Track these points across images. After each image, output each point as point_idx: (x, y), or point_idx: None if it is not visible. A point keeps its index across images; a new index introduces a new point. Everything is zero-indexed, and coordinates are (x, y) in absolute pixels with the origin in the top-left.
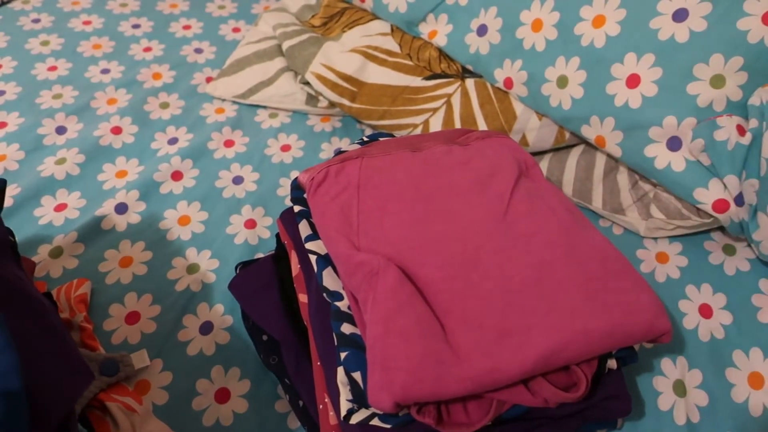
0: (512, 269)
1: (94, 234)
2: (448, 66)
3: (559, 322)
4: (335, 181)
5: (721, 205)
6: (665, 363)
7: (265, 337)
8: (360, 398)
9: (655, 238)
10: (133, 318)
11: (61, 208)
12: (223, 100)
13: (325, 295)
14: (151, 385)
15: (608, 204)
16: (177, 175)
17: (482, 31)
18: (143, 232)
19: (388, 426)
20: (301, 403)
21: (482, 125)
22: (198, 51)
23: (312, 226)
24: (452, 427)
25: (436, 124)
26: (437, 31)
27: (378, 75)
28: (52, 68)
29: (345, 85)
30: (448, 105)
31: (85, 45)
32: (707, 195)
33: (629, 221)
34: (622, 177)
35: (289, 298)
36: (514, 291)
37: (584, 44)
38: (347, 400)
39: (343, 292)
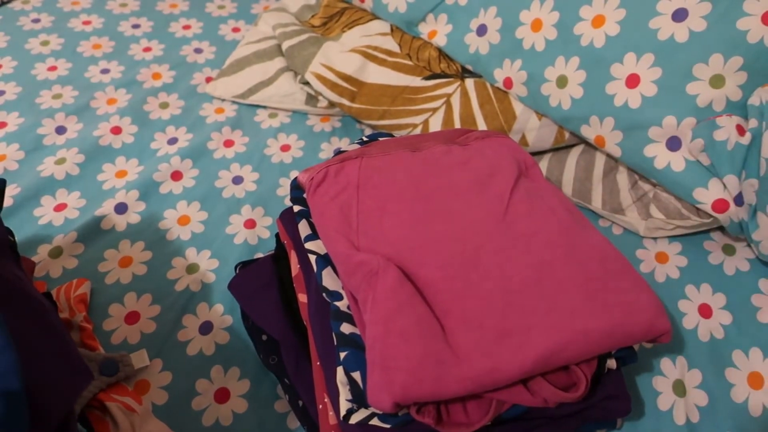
0: (512, 269)
1: (93, 234)
2: (447, 66)
3: (558, 322)
4: (335, 181)
5: (720, 205)
6: (665, 363)
7: (264, 337)
8: (359, 398)
9: (655, 238)
10: (132, 318)
11: (60, 208)
12: (223, 100)
13: (324, 295)
14: (150, 385)
15: (608, 204)
16: (177, 175)
17: (482, 31)
18: (143, 232)
19: (388, 426)
20: (300, 403)
21: (482, 125)
22: (198, 51)
23: (311, 225)
24: (452, 427)
25: (435, 124)
26: (437, 31)
27: (378, 75)
28: (52, 68)
29: (344, 85)
30: (448, 105)
31: (84, 45)
32: (707, 195)
33: (629, 221)
34: (622, 177)
35: (288, 298)
36: (514, 291)
37: (584, 44)
38: (347, 400)
39: (343, 292)
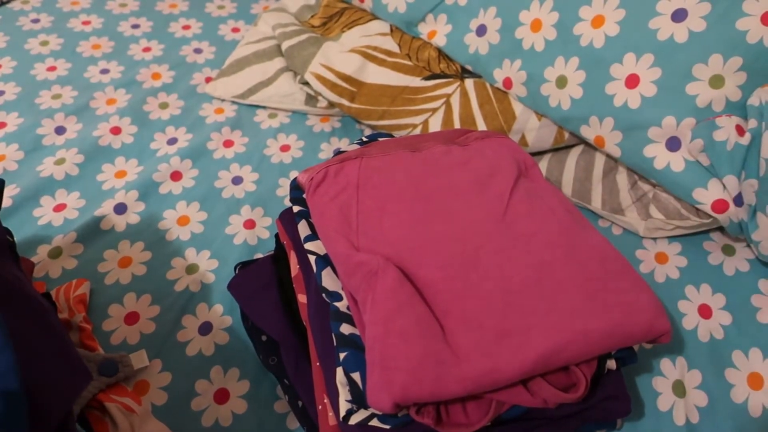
0: (512, 269)
1: (93, 234)
2: (447, 66)
3: (558, 322)
4: (334, 182)
5: (720, 206)
6: (665, 363)
7: (264, 338)
8: (359, 399)
9: (655, 239)
10: (132, 318)
11: (60, 208)
12: (223, 100)
13: (324, 295)
14: (150, 385)
15: (607, 204)
16: (176, 176)
17: (481, 31)
18: (142, 233)
19: (387, 426)
20: (300, 403)
21: (481, 125)
22: (197, 51)
23: (311, 226)
24: (451, 427)
25: (435, 125)
26: (436, 31)
27: (377, 75)
28: (52, 68)
29: (344, 85)
30: (448, 105)
31: (84, 45)
32: (706, 195)
33: (628, 221)
34: (622, 177)
35: (288, 299)
36: (514, 291)
37: (583, 44)
38: (346, 400)
39: (343, 293)
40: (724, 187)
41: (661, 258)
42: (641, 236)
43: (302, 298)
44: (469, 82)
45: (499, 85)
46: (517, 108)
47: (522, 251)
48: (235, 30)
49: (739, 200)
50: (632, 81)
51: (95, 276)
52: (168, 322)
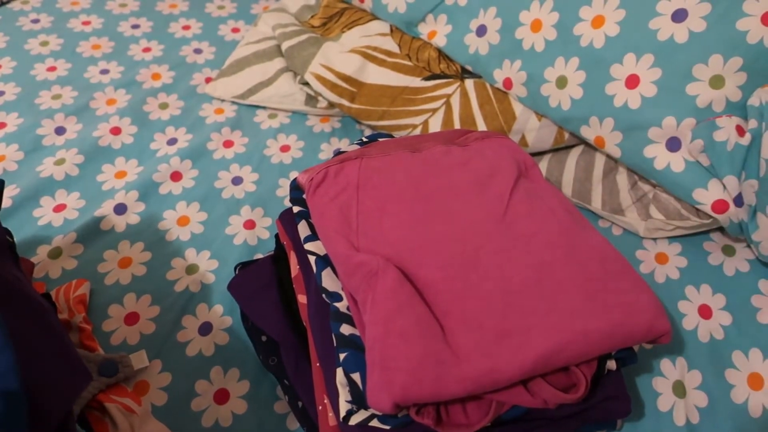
0: (512, 270)
1: (93, 235)
2: (447, 66)
3: (558, 322)
4: (334, 182)
5: (720, 206)
6: (665, 364)
7: (264, 338)
8: (359, 399)
9: (655, 239)
10: (132, 319)
11: (60, 208)
12: (223, 100)
13: (324, 295)
14: (150, 385)
15: (607, 204)
16: (176, 176)
17: (481, 31)
18: (142, 233)
19: (387, 427)
20: (300, 404)
21: (481, 126)
22: (197, 51)
23: (311, 226)
24: (451, 428)
25: (435, 125)
26: (436, 31)
27: (377, 75)
28: (52, 69)
29: (344, 85)
30: (448, 105)
31: (84, 45)
32: (706, 195)
33: (628, 222)
34: (622, 177)
35: (288, 299)
36: (514, 291)
37: (583, 45)
38: (346, 401)
39: (343, 293)
40: (725, 187)
41: (661, 258)
42: (641, 237)
43: (302, 299)
44: (469, 83)
45: (499, 85)
46: (517, 108)
47: (522, 251)
48: (235, 30)
49: (739, 201)
50: (632, 81)
51: (95, 276)
52: (168, 322)
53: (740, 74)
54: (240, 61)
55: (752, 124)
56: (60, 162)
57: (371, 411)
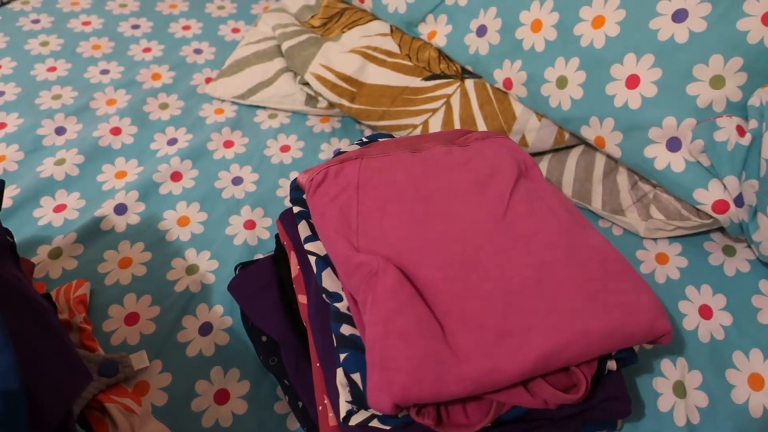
0: (512, 270)
1: (93, 235)
2: (447, 66)
3: (559, 322)
4: (334, 182)
5: (720, 206)
6: (665, 364)
7: (264, 338)
8: (359, 399)
9: (655, 239)
10: (132, 319)
11: (60, 208)
12: (223, 100)
13: (324, 296)
14: (150, 386)
15: (608, 205)
16: (176, 176)
17: (482, 31)
18: (142, 233)
19: (388, 427)
20: (300, 404)
21: (482, 126)
22: (197, 51)
23: (311, 226)
24: (451, 428)
25: (435, 125)
26: (437, 31)
27: (377, 75)
28: (52, 69)
29: (344, 85)
30: (448, 105)
31: (84, 45)
32: (707, 196)
33: (629, 222)
34: (622, 178)
35: (288, 299)
36: (514, 292)
37: (584, 45)
38: (346, 401)
39: (343, 293)
40: (725, 187)
41: (661, 258)
42: (642, 237)
43: (302, 299)
44: (469, 83)
45: (500, 85)
46: (518, 108)
47: (522, 252)
48: (235, 30)
49: (739, 201)
50: (633, 81)
51: (95, 276)
52: (168, 322)
53: (741, 74)
54: (240, 61)
55: (752, 124)
56: (60, 162)
57: (371, 411)
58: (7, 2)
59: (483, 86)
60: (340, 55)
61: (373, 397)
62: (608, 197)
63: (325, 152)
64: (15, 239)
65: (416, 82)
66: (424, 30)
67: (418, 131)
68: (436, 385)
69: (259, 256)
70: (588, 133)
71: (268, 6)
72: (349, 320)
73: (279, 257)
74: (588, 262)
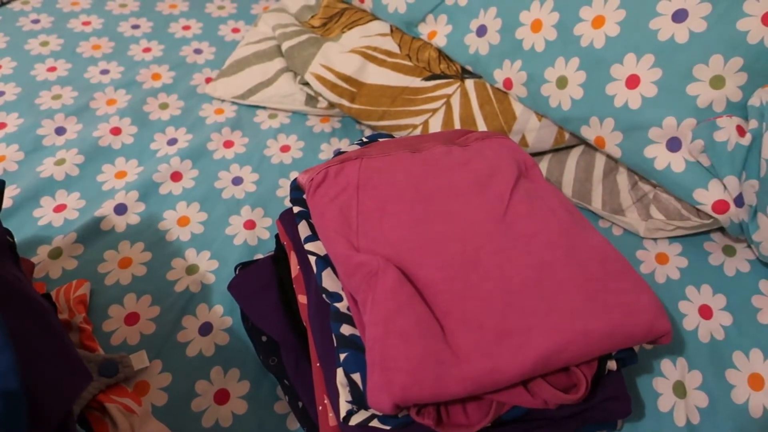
0: (512, 270)
1: (93, 235)
2: (447, 66)
3: (559, 322)
4: (334, 182)
5: (720, 206)
6: (665, 364)
7: (264, 338)
8: (359, 399)
9: (655, 239)
10: (132, 319)
11: (60, 208)
12: (223, 100)
13: (324, 296)
14: (150, 386)
15: (608, 205)
16: (176, 176)
17: (482, 31)
18: (142, 233)
19: (388, 427)
20: (300, 404)
21: (482, 126)
22: (197, 51)
23: (311, 226)
24: (451, 428)
25: (435, 125)
26: (437, 31)
27: (377, 76)
28: (52, 69)
29: (344, 85)
30: (448, 106)
31: (84, 45)
32: (707, 196)
33: (629, 222)
34: (622, 178)
35: (288, 299)
36: (514, 292)
37: (584, 45)
38: (347, 401)
39: (343, 293)
40: (725, 187)
41: (661, 258)
42: (642, 237)
43: (302, 299)
44: (469, 83)
45: (500, 85)
46: (518, 108)
47: (522, 252)
48: (235, 30)
49: (739, 201)
50: (633, 81)
51: (95, 276)
52: (168, 322)
53: (741, 74)
54: (240, 61)
55: (753, 124)
56: (60, 162)
57: (371, 411)
58: (7, 2)
59: (483, 86)
60: (340, 55)
61: (373, 397)
62: (608, 197)
63: (325, 152)
64: (15, 239)
65: (416, 82)
66: (424, 30)
67: (418, 131)
68: (436, 385)
69: (259, 256)
70: (588, 133)
71: (268, 6)
72: (349, 320)
73: (279, 257)
74: (588, 262)
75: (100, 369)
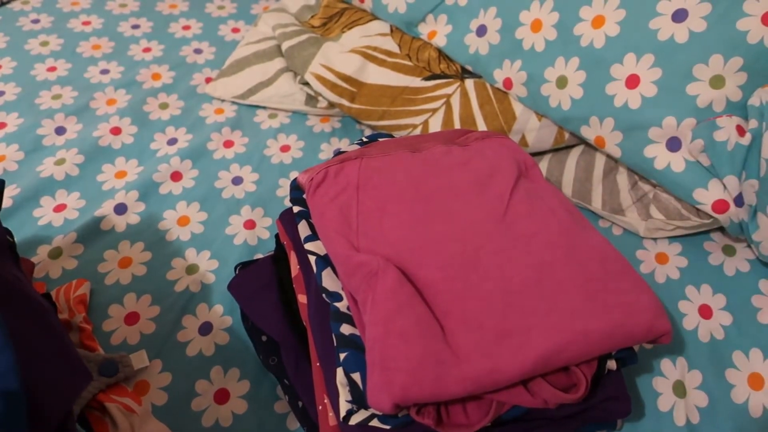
0: (512, 270)
1: (93, 235)
2: (447, 66)
3: (559, 322)
4: (334, 182)
5: (720, 206)
6: (665, 364)
7: (264, 338)
8: (359, 399)
9: (655, 239)
10: (132, 319)
11: (60, 208)
12: (223, 100)
13: (324, 295)
14: (150, 385)
15: (608, 204)
16: (176, 176)
17: (481, 31)
18: (142, 233)
19: (388, 427)
20: (300, 403)
21: (482, 126)
22: (197, 51)
23: (311, 226)
24: (452, 428)
25: (435, 125)
26: (437, 31)
27: (377, 75)
28: (52, 69)
29: (344, 85)
30: (448, 105)
31: (84, 45)
32: (707, 195)
33: (629, 222)
34: (622, 177)
35: (288, 299)
36: (514, 292)
37: (584, 45)
38: (346, 401)
39: (343, 293)
40: (725, 187)
41: (661, 258)
42: (641, 236)
43: (302, 299)
44: (469, 83)
45: (500, 85)
46: (518, 108)
47: (522, 252)
48: (235, 30)
49: (739, 200)
50: (632, 81)
51: (95, 276)
52: (168, 322)
53: (740, 74)
54: (240, 61)
55: (752, 124)
56: (60, 162)
57: (371, 411)
58: (7, 2)
59: (483, 86)
60: (340, 55)
61: (374, 397)
62: (608, 197)
63: (325, 152)
64: (15, 239)
65: (416, 82)
66: (424, 30)
67: (418, 131)
68: (436, 385)
69: (259, 255)
70: (588, 132)
71: (268, 6)
72: (349, 320)
73: (279, 257)
74: (588, 262)
75: (100, 369)
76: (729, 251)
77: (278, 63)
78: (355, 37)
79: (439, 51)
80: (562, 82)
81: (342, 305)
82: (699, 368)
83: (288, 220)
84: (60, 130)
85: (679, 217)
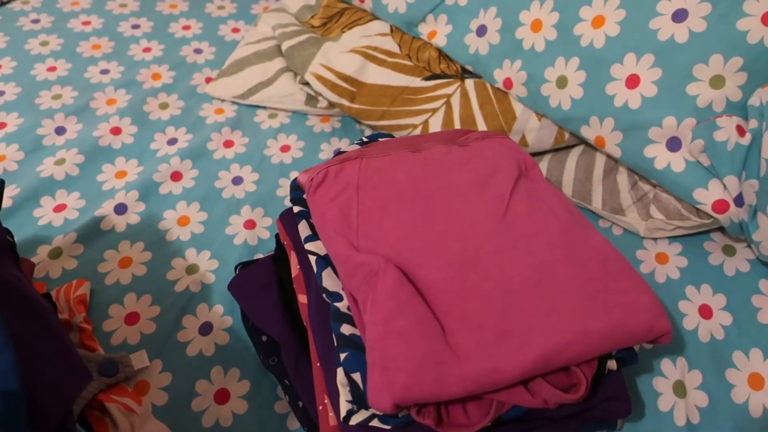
0: (512, 270)
1: (93, 235)
2: (447, 66)
3: (559, 322)
4: (334, 182)
5: (720, 206)
6: (665, 364)
7: (264, 338)
8: (360, 399)
9: (655, 239)
10: (132, 319)
11: (60, 208)
12: (223, 100)
13: (324, 295)
14: (150, 385)
15: (608, 204)
16: (176, 176)
17: (482, 31)
18: (142, 233)
19: (388, 427)
20: (300, 404)
21: (482, 126)
22: (197, 51)
23: (311, 226)
24: (452, 428)
25: (435, 125)
26: (437, 31)
27: (377, 75)
28: (52, 69)
29: (344, 85)
30: (448, 105)
31: (84, 45)
32: (707, 195)
33: (629, 222)
34: (622, 177)
35: (288, 299)
36: (514, 292)
37: (584, 45)
38: (347, 401)
39: (343, 293)
40: (725, 187)
41: (661, 258)
42: (642, 236)
43: (302, 299)
44: (469, 83)
45: (500, 85)
46: (518, 108)
47: (522, 252)
48: (235, 30)
49: (739, 200)
50: (633, 81)
51: (95, 276)
52: (168, 322)
53: (740, 74)
54: (240, 61)
55: (752, 124)
56: (60, 162)
57: (372, 411)
58: (7, 2)
59: (483, 86)
60: (340, 55)
61: (374, 397)
62: (608, 197)
63: (325, 152)
64: (15, 239)
65: (416, 82)
66: (424, 30)
67: (418, 131)
68: (436, 385)
69: (259, 255)
70: (588, 132)
71: (268, 6)
72: (350, 320)
73: (279, 257)
74: (588, 262)
75: (100, 369)
76: (729, 251)
77: (278, 63)
78: (355, 37)
79: (439, 51)
80: (562, 82)
81: (342, 305)
82: (699, 368)
83: (288, 220)
84: (60, 130)
85: (679, 217)
